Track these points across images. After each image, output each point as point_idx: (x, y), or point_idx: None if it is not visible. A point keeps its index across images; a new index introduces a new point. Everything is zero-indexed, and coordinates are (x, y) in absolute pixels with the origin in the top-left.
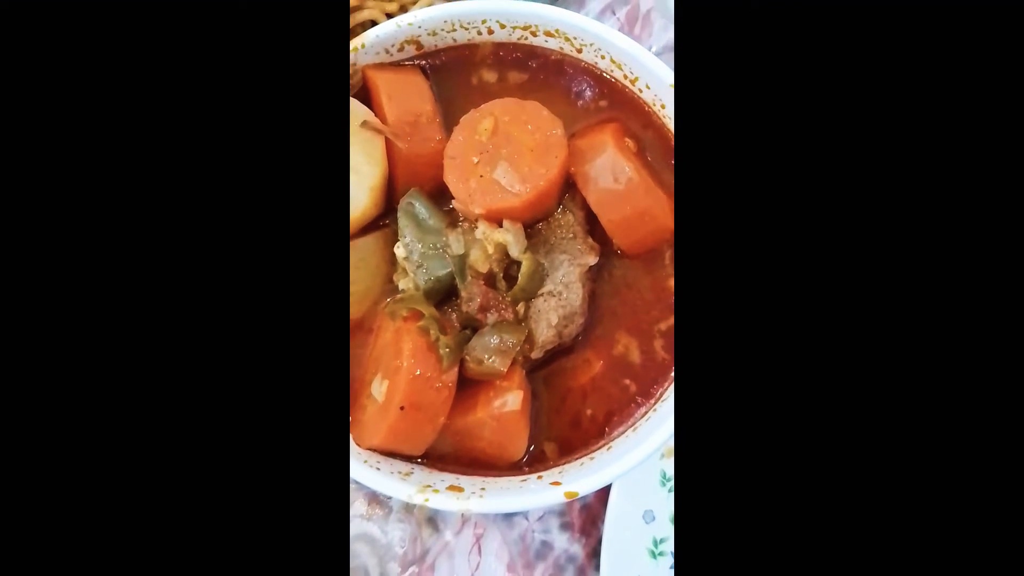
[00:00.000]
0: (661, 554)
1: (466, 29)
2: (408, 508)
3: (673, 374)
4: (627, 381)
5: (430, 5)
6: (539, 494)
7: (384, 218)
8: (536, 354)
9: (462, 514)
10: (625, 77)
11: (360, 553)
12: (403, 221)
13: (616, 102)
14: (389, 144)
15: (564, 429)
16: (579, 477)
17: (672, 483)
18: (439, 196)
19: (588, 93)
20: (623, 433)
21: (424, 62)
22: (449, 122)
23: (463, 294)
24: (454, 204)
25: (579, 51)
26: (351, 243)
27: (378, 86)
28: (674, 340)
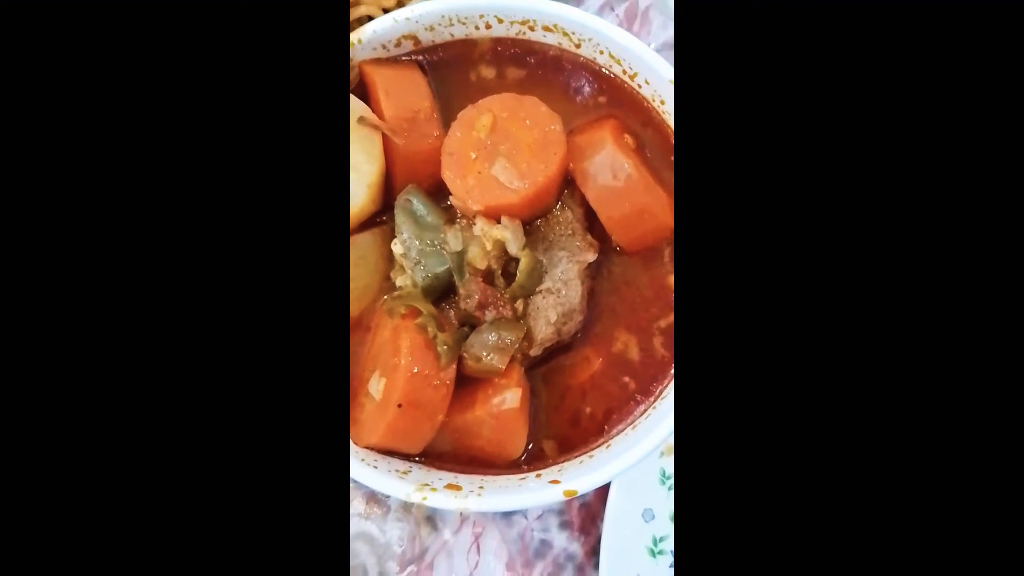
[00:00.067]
0: (661, 553)
1: (464, 24)
2: (406, 507)
3: (672, 372)
4: (626, 379)
5: (427, 0)
6: (538, 492)
7: (382, 215)
8: (535, 351)
9: (461, 513)
10: (624, 72)
11: (359, 552)
12: (401, 218)
13: (615, 98)
14: (387, 140)
15: (563, 427)
16: (578, 475)
17: (672, 481)
18: (437, 193)
19: (587, 89)
20: (622, 431)
21: (422, 58)
22: (447, 118)
23: (461, 291)
24: (452, 201)
25: (577, 46)
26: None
27: (375, 82)
28: (674, 338)
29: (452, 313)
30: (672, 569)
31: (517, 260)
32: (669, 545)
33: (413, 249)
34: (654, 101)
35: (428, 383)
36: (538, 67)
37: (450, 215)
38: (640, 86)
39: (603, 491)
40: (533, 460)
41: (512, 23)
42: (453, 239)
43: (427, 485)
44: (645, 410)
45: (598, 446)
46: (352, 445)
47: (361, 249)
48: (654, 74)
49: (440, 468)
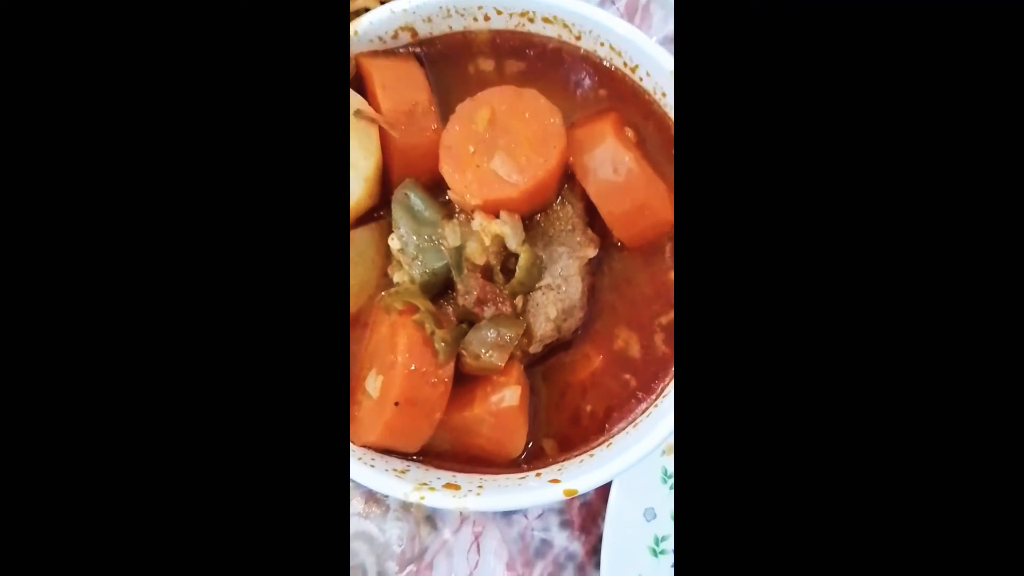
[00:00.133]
0: (663, 552)
1: (462, 15)
2: (406, 506)
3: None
4: (627, 376)
5: None
6: (538, 492)
7: (379, 210)
8: (534, 349)
9: (460, 512)
10: (625, 65)
11: (357, 552)
12: (398, 213)
13: (616, 91)
14: (383, 134)
15: (563, 425)
16: (579, 474)
17: (674, 480)
18: (435, 187)
19: (587, 82)
20: (623, 429)
21: (419, 50)
22: (445, 112)
23: (459, 287)
24: (450, 195)
25: (578, 38)
26: None
27: (372, 74)
28: (674, 335)
29: (450, 309)
30: (674, 569)
31: (516, 256)
32: (671, 545)
33: (411, 244)
34: (655, 94)
35: (426, 381)
36: (538, 60)
37: (448, 210)
38: (641, 79)
39: (604, 490)
40: (533, 459)
41: (511, 15)
42: (451, 234)
43: (425, 484)
44: (646, 408)
45: (599, 445)
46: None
47: (358, 245)
48: (656, 66)
49: (439, 467)
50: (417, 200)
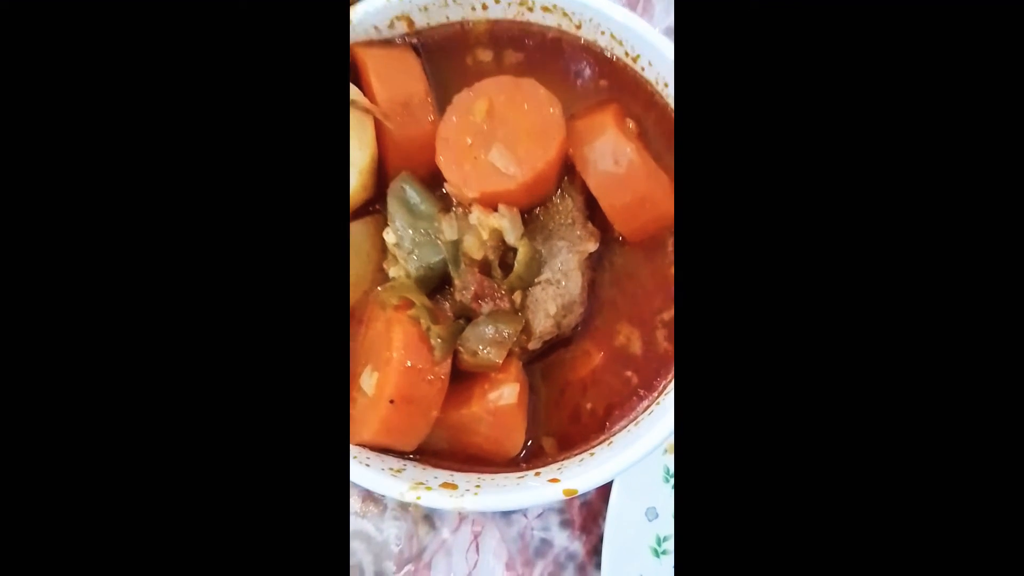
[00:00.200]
0: (664, 552)
1: (459, 4)
2: (404, 505)
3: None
4: (628, 373)
5: None
6: (537, 491)
7: (374, 203)
8: (533, 345)
9: (459, 511)
10: (626, 55)
11: (355, 551)
12: (394, 206)
13: (617, 82)
14: (379, 126)
15: (563, 423)
16: (579, 473)
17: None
18: (432, 180)
19: (587, 72)
20: (624, 427)
21: (416, 40)
22: (442, 103)
23: (457, 282)
24: (447, 188)
25: (578, 27)
26: None
27: (367, 65)
28: (674, 331)
29: (447, 305)
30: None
31: (515, 250)
32: (672, 545)
33: (407, 238)
34: (657, 84)
35: (422, 378)
36: (537, 50)
37: (445, 203)
38: (643, 68)
39: (605, 489)
40: (532, 458)
41: (509, 4)
42: (448, 228)
43: (422, 484)
44: (648, 406)
45: (599, 443)
46: None
47: (353, 239)
48: (658, 56)
49: (435, 466)
50: (413, 193)
